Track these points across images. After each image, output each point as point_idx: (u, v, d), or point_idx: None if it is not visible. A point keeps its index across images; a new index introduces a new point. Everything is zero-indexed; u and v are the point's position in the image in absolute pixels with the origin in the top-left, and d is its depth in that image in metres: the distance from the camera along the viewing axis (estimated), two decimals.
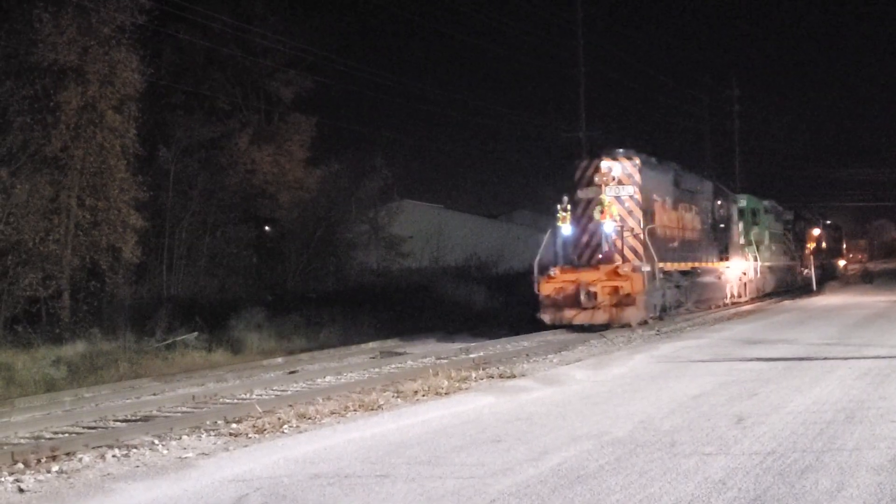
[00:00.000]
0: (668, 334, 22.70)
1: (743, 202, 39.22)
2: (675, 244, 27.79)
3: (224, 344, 23.50)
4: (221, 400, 14.85)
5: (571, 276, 24.44)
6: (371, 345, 23.33)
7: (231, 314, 25.64)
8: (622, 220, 24.82)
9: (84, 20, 25.71)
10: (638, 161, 25.33)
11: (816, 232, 56.61)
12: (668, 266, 26.48)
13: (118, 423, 13.01)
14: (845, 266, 70.01)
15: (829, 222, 62.95)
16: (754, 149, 61.47)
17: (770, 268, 42.27)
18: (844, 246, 72.63)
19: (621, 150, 25.40)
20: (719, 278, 32.97)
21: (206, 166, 32.31)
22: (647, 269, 24.18)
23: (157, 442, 10.98)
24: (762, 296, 40.06)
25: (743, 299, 36.52)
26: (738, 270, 35.96)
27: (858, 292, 41.72)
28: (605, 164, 24.92)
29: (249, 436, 11.01)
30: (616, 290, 23.92)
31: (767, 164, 60.57)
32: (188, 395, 15.31)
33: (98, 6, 25.68)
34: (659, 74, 48.32)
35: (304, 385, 16.24)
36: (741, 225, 37.90)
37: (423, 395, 13.30)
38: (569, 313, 24.21)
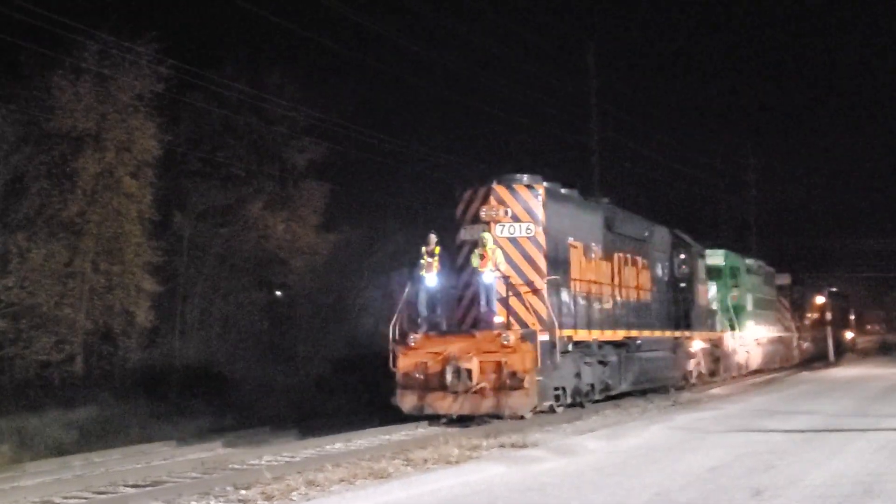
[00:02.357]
0: (684, 405, 22.48)
1: (718, 259, 33.45)
2: (605, 306, 22.01)
3: (233, 409, 23.38)
4: (231, 466, 14.73)
5: (438, 347, 18.65)
6: None
7: (242, 381, 25.56)
8: (517, 268, 19.22)
9: (102, 88, 26.06)
10: (542, 191, 19.65)
11: (820, 300, 51.53)
12: (588, 335, 20.67)
13: (127, 489, 12.91)
14: (852, 339, 63.71)
15: (834, 290, 56.79)
16: (770, 218, 60.95)
17: (755, 339, 36.68)
18: (853, 317, 66.03)
19: (520, 176, 19.89)
20: (674, 352, 26.68)
21: (221, 232, 32.46)
22: (543, 337, 18.39)
23: None
24: (745, 374, 34.27)
25: (716, 378, 30.68)
26: (706, 342, 29.95)
27: (876, 364, 41.37)
28: (498, 194, 19.48)
29: (258, 503, 10.91)
30: (499, 366, 18.21)
31: (782, 233, 60.04)
32: (197, 460, 15.20)
33: (117, 74, 26.04)
34: (672, 142, 48.70)
35: (313, 451, 16.11)
36: (715, 286, 31.98)
37: (434, 464, 13.18)
38: (436, 399, 18.42)
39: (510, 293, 18.99)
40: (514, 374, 18.03)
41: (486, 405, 18.18)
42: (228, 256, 32.51)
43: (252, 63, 34.67)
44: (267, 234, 34.39)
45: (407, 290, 19.57)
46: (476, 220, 19.53)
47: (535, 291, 19.04)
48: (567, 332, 19.42)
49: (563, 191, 21.32)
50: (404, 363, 18.81)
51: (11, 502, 11.95)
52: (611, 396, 22.31)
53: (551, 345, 18.52)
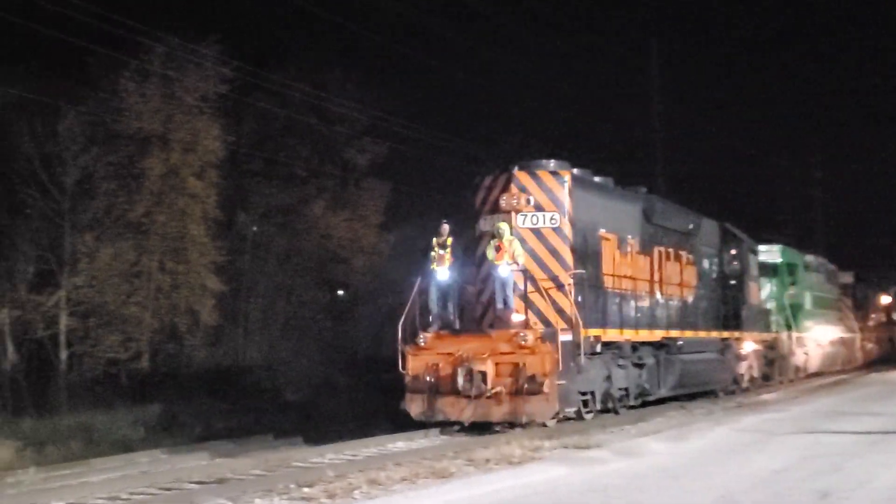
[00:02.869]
0: (750, 406, 22.15)
1: (774, 255, 31.64)
2: (642, 304, 20.56)
3: (295, 408, 23.57)
4: (294, 463, 14.84)
5: (451, 347, 17.24)
6: None
7: (304, 379, 25.75)
8: (541, 262, 17.79)
9: (168, 89, 26.41)
10: (567, 178, 18.15)
11: (885, 300, 48.48)
12: (620, 335, 19.21)
13: (192, 485, 13.06)
14: None
15: None
16: (835, 216, 59.65)
17: (815, 340, 34.58)
18: None
19: (544, 162, 18.42)
20: (722, 354, 25.09)
21: (283, 231, 32.74)
22: (566, 337, 16.91)
23: None
24: (804, 377, 32.44)
25: (770, 382, 29.10)
26: (759, 344, 28.05)
27: None
28: (519, 181, 18.02)
29: (321, 501, 10.98)
30: (516, 369, 16.74)
31: (847, 231, 58.70)
32: (261, 458, 15.33)
33: (182, 76, 26.38)
34: (736, 139, 48.02)
35: (375, 450, 16.17)
36: (770, 284, 30.54)
37: (496, 464, 13.14)
38: (447, 405, 16.97)
39: (532, 288, 17.42)
40: (532, 378, 16.52)
41: (502, 411, 16.72)
42: (290, 256, 32.78)
43: (314, 63, 34.92)
44: (329, 234, 34.61)
45: (417, 284, 17.98)
46: (496, 209, 18.03)
47: (560, 287, 17.55)
48: (594, 332, 18.03)
49: (594, 178, 19.85)
50: (414, 365, 17.42)
51: (80, 498, 12.15)
52: (649, 402, 20.96)
53: (575, 345, 17.05)
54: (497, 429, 17.19)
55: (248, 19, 39.88)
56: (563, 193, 18.05)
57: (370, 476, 12.08)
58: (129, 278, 25.93)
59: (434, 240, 18.06)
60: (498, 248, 17.32)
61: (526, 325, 17.24)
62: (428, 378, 17.10)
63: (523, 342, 16.72)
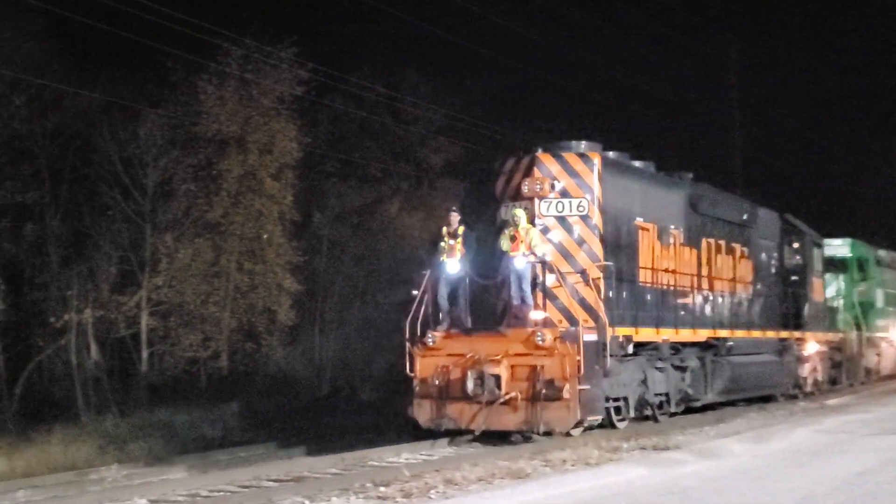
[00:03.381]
0: (833, 408, 21.67)
1: (843, 249, 29.30)
2: (685, 301, 19.04)
3: (371, 408, 23.69)
4: (370, 463, 14.90)
5: (462, 348, 15.86)
6: None
7: (380, 379, 25.87)
8: (566, 253, 16.31)
9: (245, 92, 26.74)
10: (597, 161, 16.65)
11: None
12: (656, 334, 17.69)
13: (270, 483, 13.19)
14: None
15: None
16: None
17: (888, 341, 32.18)
18: None
19: (571, 143, 16.97)
20: (780, 355, 23.14)
21: (358, 231, 32.94)
22: (590, 337, 15.51)
23: (307, 502, 11.08)
24: (876, 380, 30.12)
25: (838, 386, 27.23)
26: (823, 344, 26.07)
27: None
28: (543, 164, 16.51)
29: (397, 500, 10.99)
30: (533, 372, 15.27)
31: None
32: (338, 457, 15.42)
33: (259, 78, 26.69)
34: (817, 136, 47.04)
35: (451, 450, 16.15)
36: (838, 280, 28.51)
37: (572, 465, 13.05)
38: (457, 411, 15.58)
39: (557, 283, 15.94)
40: (550, 382, 15.03)
41: (517, 420, 15.29)
42: (366, 256, 32.96)
43: (389, 63, 35.08)
44: (404, 234, 34.73)
45: (426, 278, 16.50)
46: (518, 195, 16.49)
47: (587, 281, 16.02)
48: (624, 331, 16.51)
49: (630, 162, 18.25)
50: (422, 367, 16.01)
51: (160, 495, 12.35)
52: (694, 409, 19.57)
53: (601, 346, 15.56)
54: (513, 439, 16.01)
55: (324, 21, 40.21)
56: (593, 178, 16.51)
57: (446, 476, 12.07)
58: (208, 278, 26.32)
59: (444, 229, 16.71)
60: (513, 238, 15.82)
61: (548, 323, 15.77)
62: (437, 381, 15.66)
63: (540, 342, 15.22)
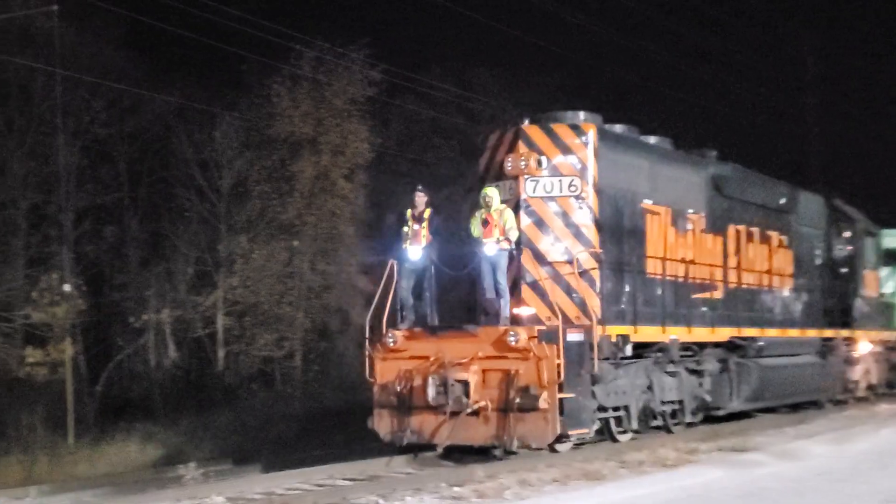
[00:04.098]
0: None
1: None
2: (704, 295, 16.84)
3: None
4: (443, 463, 14.86)
5: (427, 349, 13.81)
6: None
7: None
8: (556, 239, 14.32)
9: (318, 94, 26.95)
10: (592, 133, 14.52)
11: None
12: (661, 333, 15.55)
13: (345, 482, 13.25)
14: None
15: None
16: None
17: None
18: None
19: (562, 114, 15.08)
20: (824, 357, 20.89)
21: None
22: (575, 337, 13.45)
23: (381, 502, 11.09)
24: None
25: None
26: (878, 344, 23.64)
27: None
28: (529, 137, 14.46)
29: (471, 500, 10.96)
30: (506, 377, 13.24)
31: None
32: (411, 456, 15.40)
33: (332, 80, 26.87)
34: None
35: (526, 451, 16.04)
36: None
37: (649, 467, 12.88)
38: (421, 423, 13.68)
39: (545, 274, 13.95)
40: (525, 390, 13.04)
41: (486, 433, 13.32)
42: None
43: (459, 63, 35.07)
44: None
45: (388, 268, 14.41)
46: (501, 174, 14.57)
47: (582, 272, 14.06)
48: (618, 330, 14.46)
49: (639, 137, 16.17)
50: (382, 371, 14.09)
51: (237, 493, 12.47)
52: (717, 418, 17.55)
53: (584, 347, 13.48)
54: (497, 454, 13.77)
55: (395, 21, 40.36)
56: (587, 153, 14.44)
57: (521, 477, 11.99)
58: (282, 279, 26.58)
59: (408, 211, 14.69)
60: (486, 222, 13.87)
61: (534, 320, 13.85)
62: (398, 388, 13.78)
63: (513, 343, 13.13)
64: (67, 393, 21.09)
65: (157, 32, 24.85)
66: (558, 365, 13.02)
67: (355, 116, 27.45)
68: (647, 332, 15.18)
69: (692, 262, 16.54)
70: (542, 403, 12.93)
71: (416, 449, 14.07)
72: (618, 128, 15.72)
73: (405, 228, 14.55)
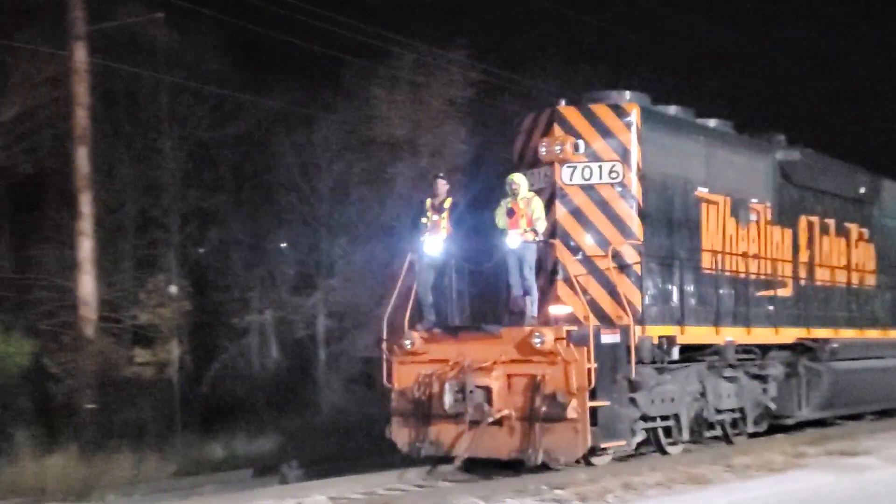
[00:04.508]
0: None
1: None
2: (769, 293, 15.50)
3: None
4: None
5: (447, 352, 12.80)
6: None
7: None
8: (595, 231, 13.21)
9: (416, 96, 27.04)
10: (635, 114, 13.35)
11: None
12: (714, 334, 14.19)
13: (446, 484, 13.21)
14: None
15: None
16: None
17: None
18: None
19: (602, 93, 14.01)
20: None
21: None
22: (610, 338, 12.27)
23: (482, 503, 11.04)
24: None
25: None
26: None
27: None
28: (566, 120, 13.33)
29: (572, 503, 10.82)
30: (531, 383, 12.12)
31: None
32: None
33: (430, 82, 26.93)
34: None
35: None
36: None
37: (756, 471, 12.56)
38: (440, 432, 12.68)
39: (584, 269, 12.91)
40: (552, 398, 11.91)
41: (510, 445, 12.24)
42: None
43: (560, 62, 34.81)
44: None
45: (406, 262, 13.42)
46: (536, 160, 13.45)
47: (623, 267, 12.93)
48: (662, 331, 13.20)
49: (694, 119, 14.91)
50: (400, 376, 13.16)
51: (339, 492, 12.54)
52: (785, 427, 16.14)
53: (619, 350, 12.33)
54: (536, 463, 12.30)
55: (494, 21, 40.30)
56: (629, 136, 13.25)
57: (624, 480, 11.80)
58: (381, 280, 26.73)
59: (427, 201, 13.64)
60: (511, 212, 12.82)
61: (570, 320, 12.68)
62: (416, 394, 12.74)
63: (538, 345, 12.03)
64: (174, 392, 21.56)
65: (258, 37, 25.24)
66: (589, 370, 11.88)
67: (453, 118, 27.46)
68: (697, 334, 13.92)
69: (756, 256, 15.28)
70: (571, 412, 11.82)
71: (434, 461, 13.05)
72: (671, 109, 14.62)
73: (423, 219, 13.50)
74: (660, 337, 13.15)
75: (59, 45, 18.48)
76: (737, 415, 14.97)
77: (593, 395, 11.98)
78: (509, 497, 11.33)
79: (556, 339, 11.97)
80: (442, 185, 13.56)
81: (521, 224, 12.70)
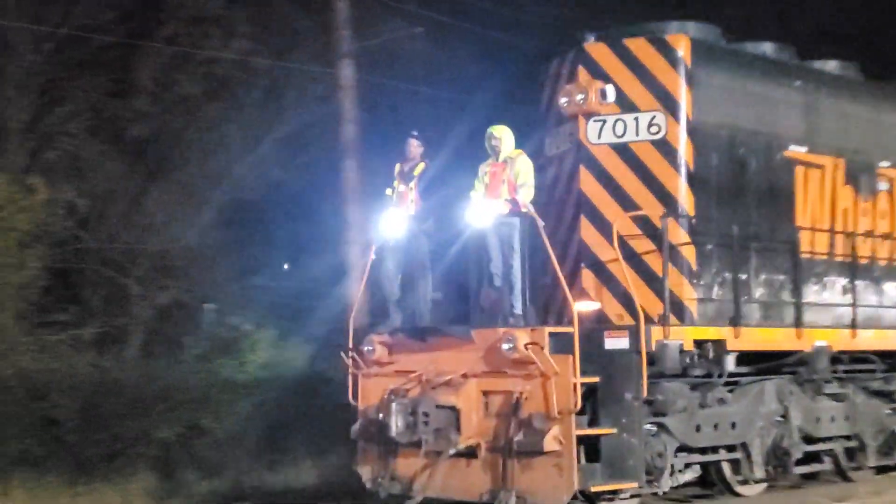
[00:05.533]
0: None
1: None
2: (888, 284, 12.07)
3: None
4: (823, 477, 14.04)
5: (415, 362, 9.82)
6: None
7: None
8: (631, 203, 10.13)
9: None
10: (684, 47, 10.18)
11: None
12: (795, 337, 10.82)
13: None
14: None
15: None
16: None
17: None
18: None
19: (640, 25, 10.66)
20: None
21: None
22: (616, 343, 9.26)
23: None
24: None
25: None
26: None
27: None
28: (594, 60, 10.38)
29: None
30: (507, 402, 9.01)
31: None
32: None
33: None
34: None
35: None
36: None
37: None
38: (404, 466, 9.62)
39: (613, 254, 9.61)
40: (527, 423, 8.77)
41: (481, 483, 9.08)
42: None
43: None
44: None
45: (372, 253, 10.37)
46: (561, 117, 10.58)
47: (670, 248, 9.68)
48: (701, 333, 9.93)
49: (784, 58, 11.45)
50: (365, 391, 10.18)
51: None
52: None
53: (637, 358, 9.08)
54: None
55: None
56: (676, 77, 10.11)
57: None
58: None
59: (396, 167, 10.45)
60: (490, 177, 9.70)
61: (602, 319, 9.95)
62: (380, 416, 9.61)
63: (507, 352, 8.91)
64: None
65: (509, 46, 25.52)
66: (575, 385, 8.70)
67: None
68: (762, 338, 10.54)
69: (887, 235, 12.06)
70: (550, 443, 8.64)
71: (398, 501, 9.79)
72: (764, 46, 11.32)
73: (388, 191, 10.48)
74: (708, 342, 10.02)
75: (328, 63, 19.41)
76: (851, 443, 11.84)
77: (594, 421, 9.19)
78: None
79: (530, 344, 8.84)
80: (414, 145, 10.41)
81: (502, 192, 9.52)
